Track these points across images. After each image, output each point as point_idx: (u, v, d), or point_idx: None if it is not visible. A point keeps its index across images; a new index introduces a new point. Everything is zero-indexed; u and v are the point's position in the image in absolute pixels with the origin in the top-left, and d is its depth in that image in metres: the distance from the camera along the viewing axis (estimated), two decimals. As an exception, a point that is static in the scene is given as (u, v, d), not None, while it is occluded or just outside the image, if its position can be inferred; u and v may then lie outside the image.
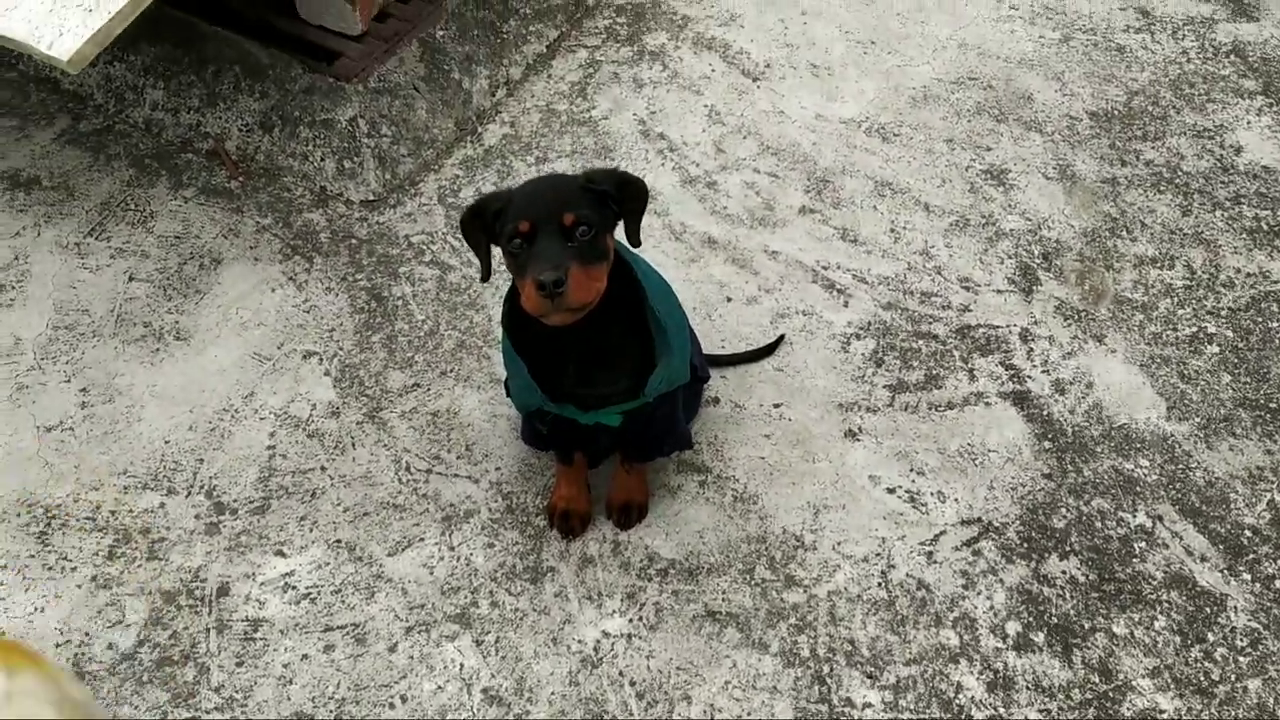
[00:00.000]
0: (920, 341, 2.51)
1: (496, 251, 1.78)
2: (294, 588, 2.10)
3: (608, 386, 1.90)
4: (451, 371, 2.44)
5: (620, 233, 1.80)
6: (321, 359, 2.47)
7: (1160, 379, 2.44)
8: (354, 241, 2.70)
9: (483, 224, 1.77)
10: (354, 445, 2.31)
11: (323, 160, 2.78)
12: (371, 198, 2.77)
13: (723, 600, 2.08)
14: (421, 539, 2.16)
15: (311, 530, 2.18)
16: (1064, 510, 2.23)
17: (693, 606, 2.07)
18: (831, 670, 1.99)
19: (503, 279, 2.45)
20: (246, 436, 2.33)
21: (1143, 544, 2.17)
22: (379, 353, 2.48)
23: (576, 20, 3.27)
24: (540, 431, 2.05)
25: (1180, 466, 2.29)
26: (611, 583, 2.10)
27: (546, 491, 2.23)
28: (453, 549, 2.15)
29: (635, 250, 1.84)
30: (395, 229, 2.73)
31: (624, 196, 1.76)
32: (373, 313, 2.55)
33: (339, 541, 2.16)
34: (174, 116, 2.93)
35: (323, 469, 2.28)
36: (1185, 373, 2.45)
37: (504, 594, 2.08)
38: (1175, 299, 2.59)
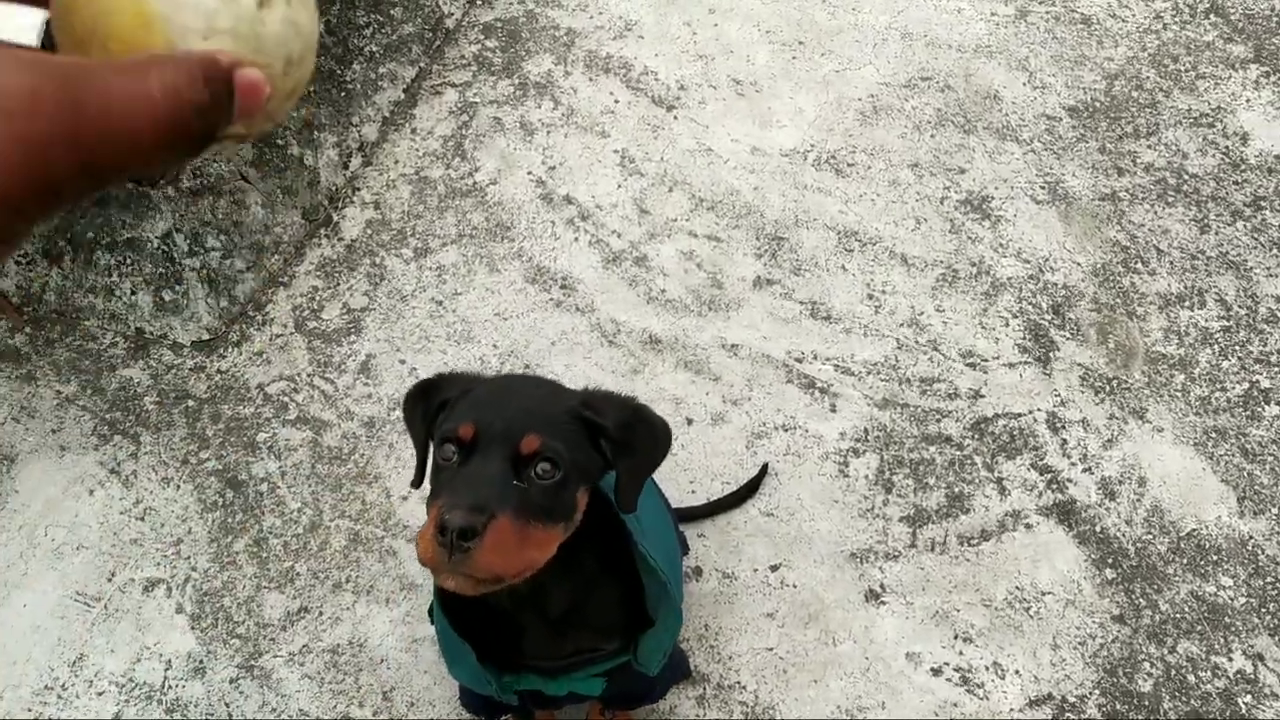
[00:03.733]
0: (932, 448, 2.01)
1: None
2: None
3: (584, 653, 1.35)
4: (347, 582, 1.85)
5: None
6: (169, 588, 1.85)
7: (1221, 460, 2.00)
8: (191, 404, 2.06)
9: (424, 410, 1.22)
10: (230, 717, 1.72)
11: (134, 294, 2.12)
12: (205, 336, 2.12)
13: None
14: None
15: None
16: (1147, 666, 1.78)
17: None
18: None
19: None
20: (80, 723, 1.72)
21: (1248, 698, 1.75)
22: (246, 568, 1.87)
23: (436, 50, 2.62)
24: (489, 700, 1.49)
25: (1269, 579, 1.87)
26: None
27: (501, 749, 1.69)
28: None
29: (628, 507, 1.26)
30: (244, 377, 2.09)
31: (628, 442, 1.18)
32: (229, 507, 1.93)
33: None
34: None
35: (193, 760, 1.68)
36: (1248, 447, 2.02)
37: None
38: (1215, 347, 2.15)
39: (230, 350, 2.13)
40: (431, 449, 1.17)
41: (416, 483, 1.25)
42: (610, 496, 1.27)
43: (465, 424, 1.11)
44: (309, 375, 2.10)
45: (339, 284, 2.22)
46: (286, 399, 2.07)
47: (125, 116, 0.38)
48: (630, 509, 1.21)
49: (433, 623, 1.32)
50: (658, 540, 1.36)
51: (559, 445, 1.11)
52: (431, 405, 1.19)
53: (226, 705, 1.72)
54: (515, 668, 1.35)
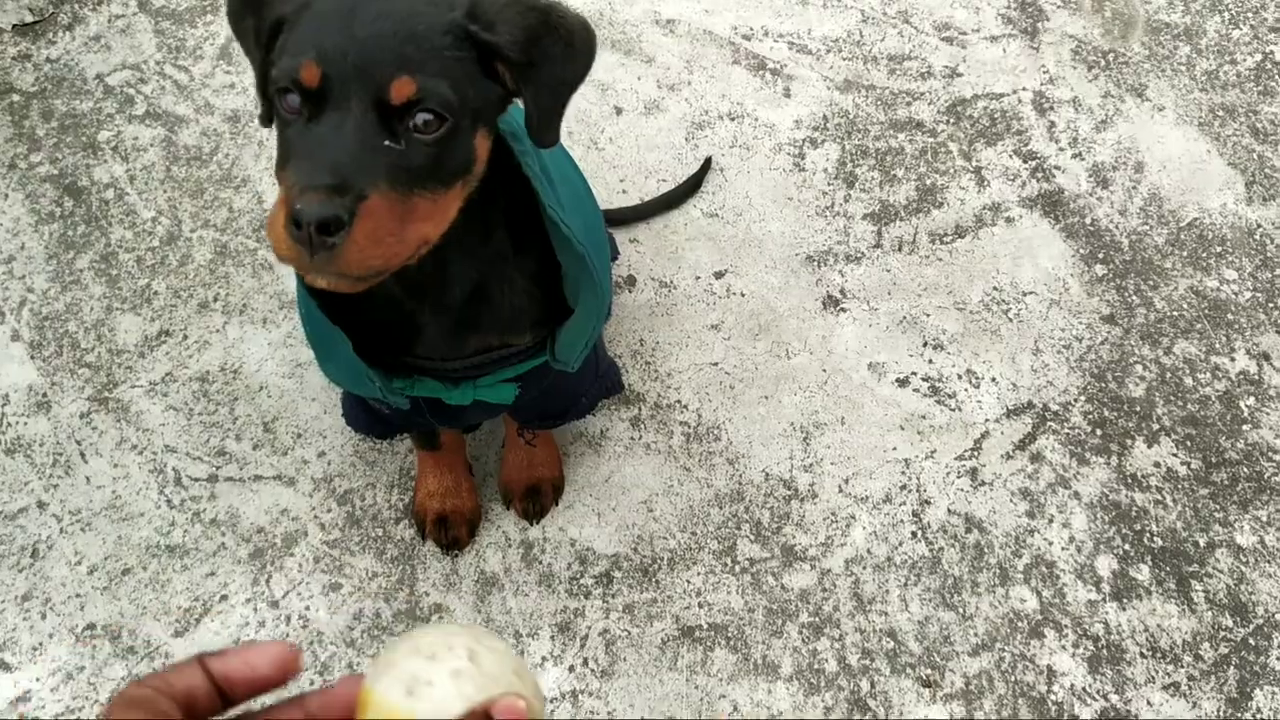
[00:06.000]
0: (901, 136, 1.73)
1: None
2: (34, 721, 1.32)
3: (493, 350, 1.09)
4: (215, 301, 1.57)
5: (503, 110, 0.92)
6: (2, 312, 1.55)
7: (1228, 141, 1.74)
8: (16, 99, 1.70)
9: (255, 26, 0.88)
10: (84, 456, 1.46)
11: (-71, -36, 1.72)
12: (29, 19, 1.74)
13: (700, 605, 1.40)
14: (224, 596, 1.38)
15: (44, 617, 1.37)
16: (1140, 369, 1.57)
17: (659, 625, 1.38)
18: (874, 686, 1.36)
19: (265, 146, 1.54)
20: (-96, 469, 1.46)
21: (1251, 400, 1.56)
22: (93, 287, 1.57)
23: None
24: (380, 415, 1.25)
25: (1277, 272, 1.65)
26: (532, 611, 1.39)
27: (407, 481, 1.46)
28: (276, 604, 1.38)
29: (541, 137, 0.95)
30: (79, 66, 1.73)
31: (533, 62, 0.86)
32: (69, 218, 1.61)
33: (91, 627, 1.36)
34: None
35: (41, 505, 1.43)
36: (1259, 126, 1.76)
37: (369, 663, 1.34)
38: (1225, 14, 1.85)
39: (61, 35, 1.75)
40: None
41: (266, 118, 0.92)
42: (513, 145, 0.97)
43: (306, 62, 0.79)
44: (158, 63, 1.74)
45: (190, -46, 1.83)
46: (132, 91, 1.71)
47: None
48: (550, 142, 0.91)
49: (299, 310, 1.04)
50: (575, 208, 1.07)
51: (442, 86, 0.80)
52: (264, 18, 0.86)
53: (78, 443, 1.47)
54: (406, 369, 1.09)
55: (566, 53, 0.87)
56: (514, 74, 0.86)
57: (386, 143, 0.80)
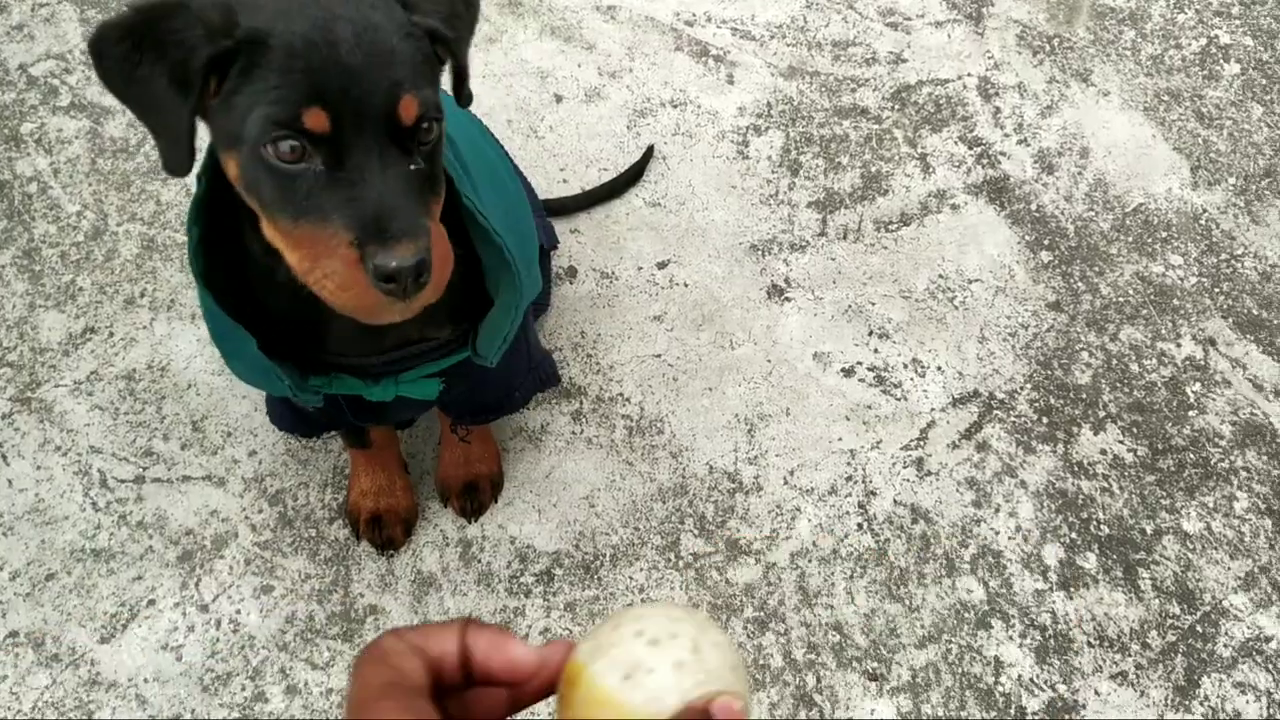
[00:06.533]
0: (846, 123, 1.71)
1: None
2: (-48, 734, 1.28)
3: (411, 345, 1.06)
4: (142, 296, 1.52)
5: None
6: (-82, 311, 1.50)
7: (1173, 126, 1.74)
8: (-68, 90, 1.65)
9: (169, 65, 0.77)
10: (5, 458, 1.41)
11: None
12: (-54, 7, 1.69)
13: (643, 602, 1.37)
14: (151, 600, 1.34)
15: (-38, 625, 1.32)
16: (1085, 355, 1.56)
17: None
18: (820, 680, 1.33)
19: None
20: None
21: (1197, 386, 1.55)
22: (15, 284, 1.52)
23: None
24: (305, 413, 1.21)
25: (1223, 256, 1.64)
26: (470, 610, 1.35)
27: (341, 480, 1.42)
28: (205, 608, 1.34)
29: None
30: (1, 57, 1.67)
31: (458, 31, 0.87)
32: (-10, 214, 1.56)
33: (14, 634, 1.32)
34: None
35: (-40, 510, 1.39)
36: (1204, 110, 1.75)
37: (303, 668, 1.31)
38: (1171, -1, 1.84)
39: (-20, 25, 1.70)
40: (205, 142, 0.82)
41: (182, 166, 0.82)
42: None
43: (310, 108, 0.75)
44: (83, 52, 1.69)
45: (116, -59, 1.78)
46: (56, 81, 1.66)
47: None
48: (469, 100, 0.91)
49: (203, 310, 1.00)
50: (496, 196, 1.04)
51: (428, 90, 0.80)
52: (186, 61, 0.76)
53: (-1, 445, 1.42)
54: (324, 367, 1.05)
55: (470, 12, 0.87)
56: (445, 49, 0.85)
57: (411, 166, 0.79)
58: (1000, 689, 1.33)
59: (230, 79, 0.77)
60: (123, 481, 1.40)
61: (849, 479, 1.46)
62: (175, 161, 0.83)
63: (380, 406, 1.12)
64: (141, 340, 1.49)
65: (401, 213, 0.77)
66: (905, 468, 1.47)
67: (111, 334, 1.49)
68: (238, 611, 1.33)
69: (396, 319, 0.83)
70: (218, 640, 1.31)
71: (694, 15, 1.78)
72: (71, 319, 1.50)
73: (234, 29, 0.77)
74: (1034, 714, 1.31)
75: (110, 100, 1.65)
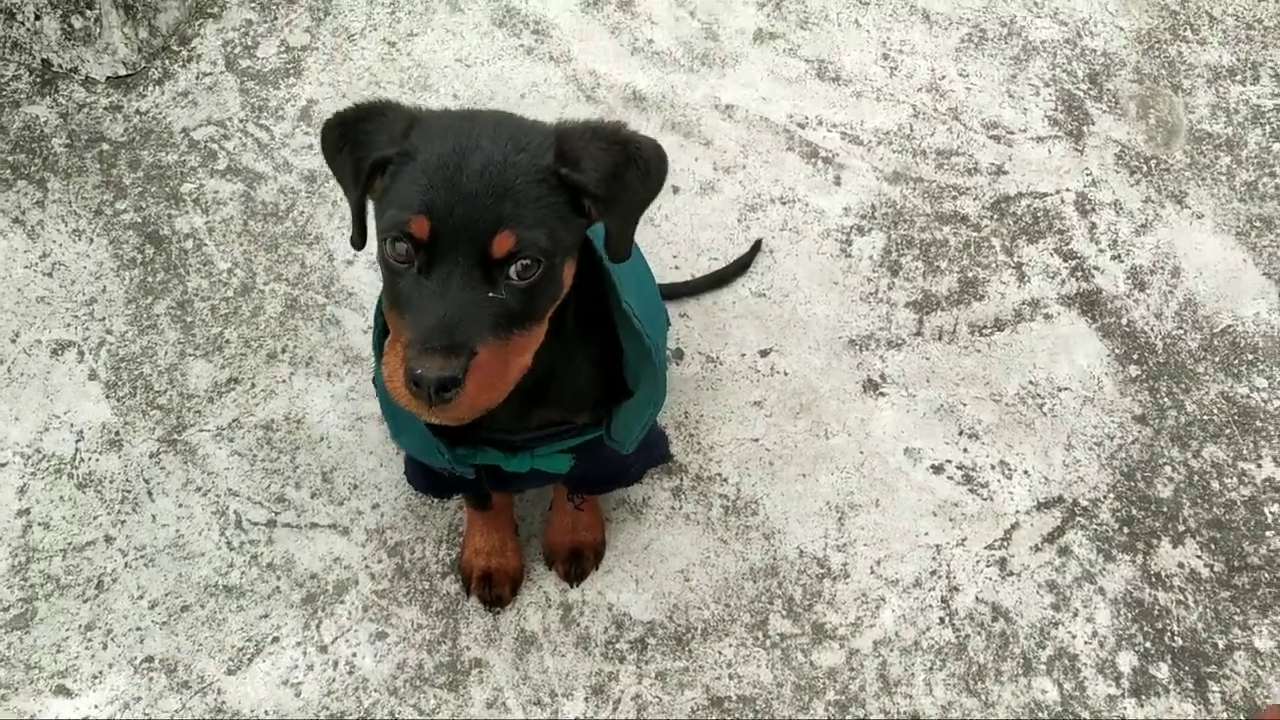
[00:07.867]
0: (946, 228, 1.79)
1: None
2: (90, 748, 1.38)
3: (553, 425, 1.17)
4: (283, 352, 1.64)
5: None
6: (82, 352, 1.63)
7: (1264, 251, 1.80)
8: (106, 148, 1.80)
9: (355, 161, 0.97)
10: (151, 494, 1.54)
11: (38, 19, 1.82)
12: (123, 72, 1.84)
13: (730, 677, 1.45)
14: (275, 638, 1.45)
15: (105, 646, 1.44)
16: (1168, 470, 1.62)
17: (690, 694, 1.43)
18: (895, 766, 1.40)
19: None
20: (-19, 496, 1.54)
21: (1276, 507, 1.60)
22: (168, 332, 1.65)
23: None
24: (440, 476, 1.31)
25: (1308, 382, 1.69)
26: (568, 672, 1.44)
27: (455, 537, 1.52)
28: (324, 649, 1.44)
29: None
30: (166, 120, 1.83)
31: (615, 195, 0.95)
32: (149, 265, 1.70)
33: (150, 659, 1.43)
34: None
35: (108, 540, 1.51)
36: (1295, 238, 1.81)
37: (411, 713, 1.40)
38: (1267, 127, 1.91)
39: (151, 89, 1.86)
40: (373, 228, 0.96)
41: (357, 242, 1.04)
42: (593, 242, 1.05)
43: (418, 218, 0.88)
44: (241, 121, 1.83)
45: (276, 18, 1.93)
46: (215, 146, 1.81)
47: None
48: (625, 257, 1.00)
49: (376, 387, 1.12)
50: (641, 297, 1.15)
51: (538, 234, 0.90)
52: (364, 157, 0.95)
53: (146, 481, 1.54)
54: (471, 440, 1.16)
55: (644, 180, 0.96)
56: (599, 206, 0.95)
57: (490, 294, 0.89)
58: (1071, 790, 1.38)
59: (386, 179, 0.92)
60: (256, 524, 1.52)
61: (933, 573, 1.53)
62: (354, 235, 1.03)
63: (512, 476, 1.23)
64: (280, 393, 1.61)
65: (456, 332, 0.87)
66: (988, 566, 1.53)
67: (254, 385, 1.61)
68: (354, 654, 1.43)
69: (432, 420, 0.93)
70: (334, 680, 1.41)
71: (806, 118, 1.88)
72: (218, 368, 1.63)
73: (403, 140, 0.91)
74: (1103, 817, 1.36)
75: (263, 166, 1.79)
